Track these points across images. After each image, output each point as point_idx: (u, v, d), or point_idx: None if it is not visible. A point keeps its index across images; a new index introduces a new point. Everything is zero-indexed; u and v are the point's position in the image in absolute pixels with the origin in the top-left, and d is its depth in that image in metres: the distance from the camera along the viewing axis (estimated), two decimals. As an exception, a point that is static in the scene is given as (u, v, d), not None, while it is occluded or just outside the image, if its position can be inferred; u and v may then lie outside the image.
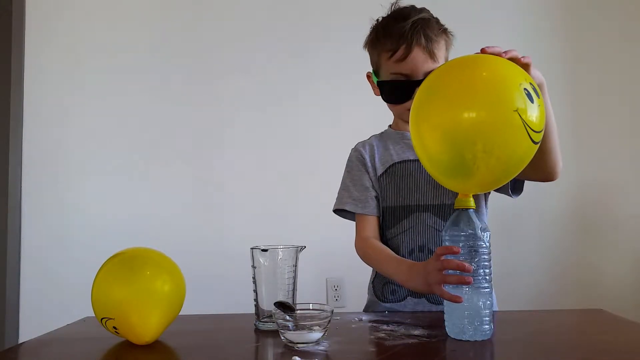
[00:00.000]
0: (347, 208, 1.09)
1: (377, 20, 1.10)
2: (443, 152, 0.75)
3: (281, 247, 0.92)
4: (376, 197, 1.09)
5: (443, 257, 0.80)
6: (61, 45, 2.15)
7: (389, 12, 1.08)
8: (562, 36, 2.19)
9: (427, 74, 0.99)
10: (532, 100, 0.70)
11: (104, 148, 2.11)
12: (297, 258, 0.93)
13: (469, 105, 0.71)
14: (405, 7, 1.07)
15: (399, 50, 1.00)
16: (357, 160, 1.13)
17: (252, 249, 0.92)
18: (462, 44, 2.35)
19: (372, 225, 1.09)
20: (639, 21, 2.20)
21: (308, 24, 2.18)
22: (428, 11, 1.07)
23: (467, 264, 0.76)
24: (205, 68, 2.15)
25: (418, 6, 1.08)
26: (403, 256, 1.04)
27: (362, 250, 1.07)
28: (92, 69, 2.14)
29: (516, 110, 0.69)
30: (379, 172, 1.10)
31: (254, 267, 0.92)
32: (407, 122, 1.09)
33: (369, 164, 1.11)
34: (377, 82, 1.06)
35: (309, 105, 2.14)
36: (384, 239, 1.10)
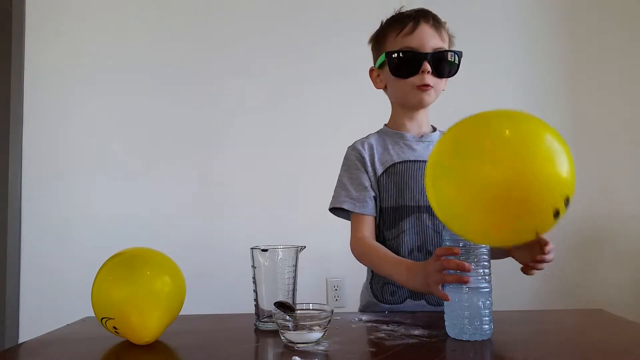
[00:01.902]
0: (345, 207, 1.08)
1: (382, 21, 1.13)
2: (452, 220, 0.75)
3: (281, 247, 0.92)
4: (374, 197, 1.08)
5: (443, 258, 0.81)
6: (61, 45, 2.15)
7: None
8: (562, 37, 2.19)
9: (435, 49, 1.03)
10: (557, 217, 0.67)
11: (104, 148, 2.11)
12: (297, 258, 0.93)
13: (490, 208, 0.67)
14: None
15: (407, 26, 1.03)
16: (356, 159, 1.11)
17: (252, 249, 0.92)
18: (462, 44, 2.35)
19: (369, 225, 1.07)
20: (639, 22, 2.20)
21: (309, 24, 2.18)
22: None
23: (466, 264, 0.77)
24: (205, 68, 2.15)
25: (423, 6, 1.11)
26: (403, 257, 1.04)
27: (359, 250, 1.06)
28: (92, 68, 2.14)
29: (535, 229, 0.69)
30: (379, 172, 1.09)
31: (254, 267, 0.92)
32: (412, 105, 1.09)
33: (369, 164, 1.10)
34: (386, 53, 1.06)
35: (310, 105, 2.14)
36: (382, 239, 1.09)
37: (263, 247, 0.91)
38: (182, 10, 2.17)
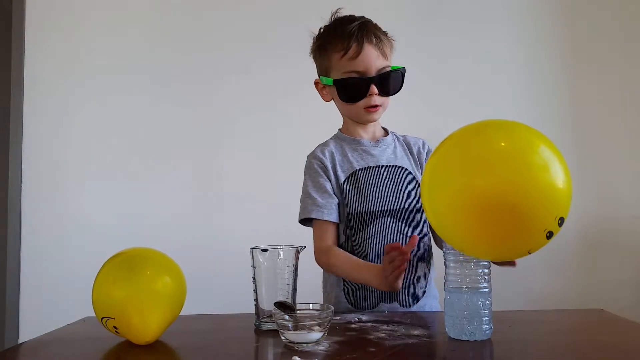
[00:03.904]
0: (312, 216, 1.08)
1: (320, 29, 1.14)
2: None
3: (281, 247, 0.92)
4: (337, 204, 1.10)
5: (390, 258, 0.89)
6: (61, 45, 2.14)
7: (331, 21, 1.13)
8: (562, 37, 2.19)
9: (379, 70, 1.05)
10: (550, 237, 0.67)
11: (104, 148, 2.11)
12: (297, 258, 0.93)
13: (486, 235, 0.68)
14: (346, 15, 1.11)
15: (351, 48, 1.04)
16: (318, 167, 1.13)
17: (252, 249, 0.92)
18: (463, 44, 2.35)
19: (332, 232, 1.09)
20: (639, 22, 2.19)
21: (309, 24, 2.17)
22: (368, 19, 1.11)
23: (404, 247, 0.87)
24: (205, 68, 2.15)
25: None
26: (372, 261, 1.06)
27: (326, 261, 1.07)
28: (92, 69, 2.14)
29: (529, 251, 0.69)
30: (341, 179, 1.10)
31: (254, 267, 0.92)
32: (363, 122, 1.12)
33: (331, 172, 1.11)
34: (334, 81, 1.08)
35: (310, 105, 2.13)
36: (350, 244, 1.09)
37: (263, 247, 0.91)
38: (182, 10, 2.17)
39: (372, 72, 1.05)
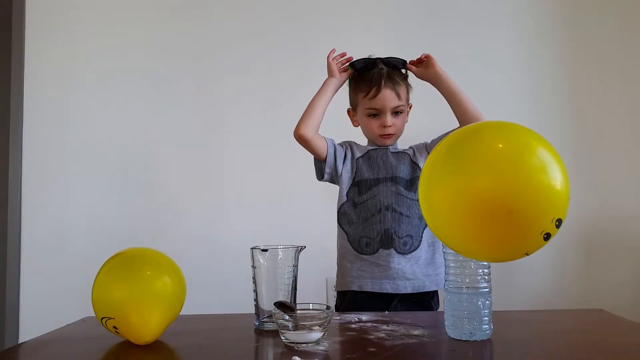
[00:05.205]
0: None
1: (351, 81, 1.42)
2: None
3: (281, 247, 0.92)
4: (336, 152, 1.36)
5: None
6: (61, 46, 2.14)
7: (364, 61, 1.38)
8: (562, 37, 2.19)
9: (393, 108, 1.32)
10: (547, 239, 0.66)
11: (104, 148, 2.11)
12: (297, 258, 0.93)
13: (484, 244, 0.69)
14: (376, 59, 1.37)
15: (372, 91, 1.31)
16: (341, 142, 1.41)
17: (252, 249, 0.92)
18: (463, 44, 2.36)
19: (321, 137, 1.36)
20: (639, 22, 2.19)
21: (310, 24, 2.18)
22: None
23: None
24: (206, 68, 2.15)
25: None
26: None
27: (299, 122, 1.35)
28: (92, 68, 2.14)
29: (526, 253, 0.69)
30: (357, 155, 1.37)
31: (254, 267, 0.92)
32: (379, 144, 1.39)
33: (349, 149, 1.39)
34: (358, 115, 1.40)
35: (309, 105, 2.14)
36: (352, 203, 1.33)
37: (263, 247, 0.91)
38: (182, 11, 2.17)
39: (387, 110, 1.31)
